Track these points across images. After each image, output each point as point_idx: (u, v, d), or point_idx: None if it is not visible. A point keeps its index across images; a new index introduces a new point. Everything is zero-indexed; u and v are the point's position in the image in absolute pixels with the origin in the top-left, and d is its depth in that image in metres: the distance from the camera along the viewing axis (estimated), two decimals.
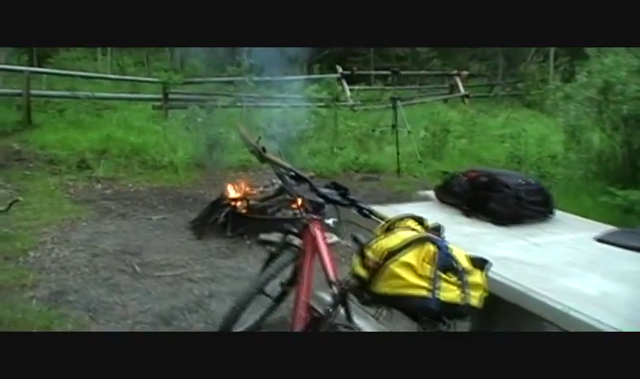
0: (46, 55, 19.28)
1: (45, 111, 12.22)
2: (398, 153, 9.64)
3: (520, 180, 3.88)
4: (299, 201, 6.68)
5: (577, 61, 19.20)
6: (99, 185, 8.36)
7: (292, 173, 3.70)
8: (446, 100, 18.95)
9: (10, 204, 6.96)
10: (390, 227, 2.83)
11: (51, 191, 7.93)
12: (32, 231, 6.29)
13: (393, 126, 9.78)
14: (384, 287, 2.58)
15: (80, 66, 17.58)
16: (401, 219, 2.84)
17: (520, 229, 3.65)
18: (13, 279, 5.04)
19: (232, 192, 6.60)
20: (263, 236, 6.19)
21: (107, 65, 20.02)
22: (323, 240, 3.47)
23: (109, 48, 20.31)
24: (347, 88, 16.29)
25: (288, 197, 6.62)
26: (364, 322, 3.42)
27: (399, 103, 10.07)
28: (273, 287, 3.90)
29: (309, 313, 3.45)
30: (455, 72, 20.36)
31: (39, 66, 16.63)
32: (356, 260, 2.80)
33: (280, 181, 6.86)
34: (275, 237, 6.13)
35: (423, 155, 10.48)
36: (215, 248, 6.07)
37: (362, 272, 2.72)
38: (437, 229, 2.80)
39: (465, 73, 20.80)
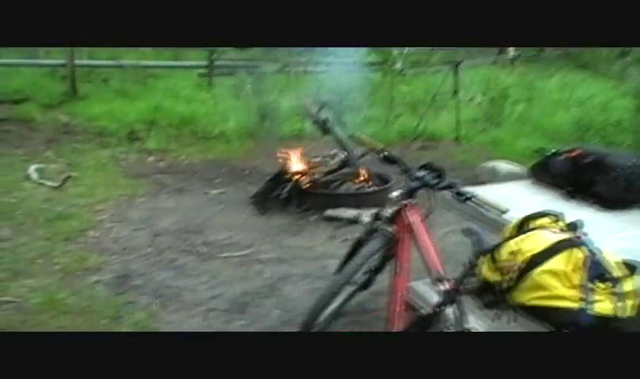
0: None
1: (89, 81, 11.94)
2: (458, 121, 9.20)
3: (629, 161, 3.51)
4: (364, 174, 6.40)
5: None
6: (152, 158, 8.11)
7: (383, 153, 3.34)
8: (494, 62, 18.28)
9: (64, 180, 6.76)
10: (524, 226, 2.50)
11: (103, 165, 7.70)
12: (89, 209, 6.07)
13: (455, 92, 9.31)
14: (527, 298, 2.27)
15: None
16: (536, 217, 2.51)
17: (630, 215, 3.31)
18: (75, 262, 4.82)
19: (294, 165, 6.28)
20: (330, 212, 5.88)
21: None
22: (423, 228, 3.13)
23: None
24: (395, 51, 15.72)
25: (352, 170, 6.35)
26: (476, 322, 3.11)
27: (459, 67, 9.53)
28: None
29: (408, 309, 3.15)
30: None
31: None
32: (484, 261, 2.48)
33: (342, 154, 6.59)
34: (342, 212, 5.84)
35: (481, 122, 10.05)
36: (280, 225, 5.79)
37: (493, 276, 2.42)
38: (575, 227, 2.46)
39: None
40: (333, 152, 6.80)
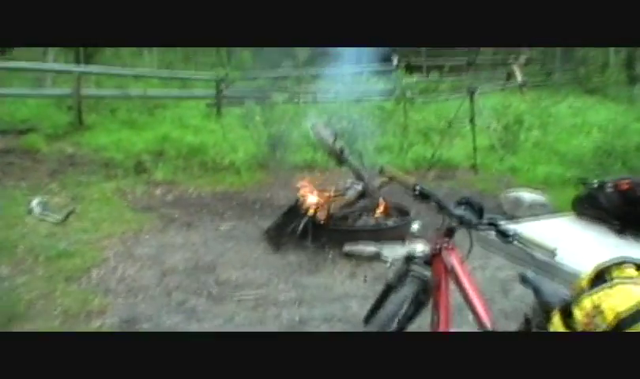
0: (92, 53, 18.87)
1: (96, 112, 11.74)
2: (475, 149, 8.90)
3: None
4: (383, 206, 6.09)
5: None
6: (159, 191, 7.82)
7: (416, 188, 3.00)
8: (502, 89, 18.09)
9: (67, 215, 6.48)
10: (603, 277, 2.14)
11: (108, 198, 7.40)
12: (93, 246, 5.76)
13: (471, 120, 8.99)
14: None
15: (126, 64, 17.11)
16: (614, 265, 2.15)
17: None
18: (78, 304, 4.49)
19: (309, 198, 5.97)
20: (348, 248, 5.54)
21: (153, 61, 19.53)
22: (465, 273, 2.81)
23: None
24: (404, 79, 15.51)
25: (370, 202, 6.06)
26: None
27: (476, 94, 9.19)
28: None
29: None
30: (511, 59, 19.48)
31: (86, 65, 16.19)
32: (554, 318, 2.14)
33: (359, 185, 6.29)
34: (361, 248, 5.53)
35: (496, 149, 9.77)
36: (296, 262, 5.45)
37: None
38: None
39: (523, 58, 19.87)
40: (348, 183, 6.51)
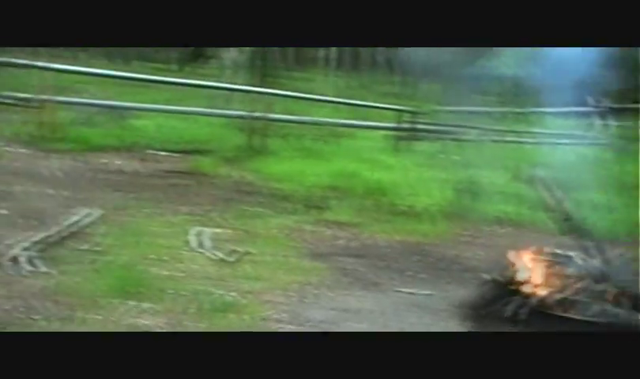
0: (266, 75, 18.56)
1: (266, 135, 11.02)
2: None
3: None
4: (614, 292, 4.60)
5: None
6: (342, 235, 6.77)
7: None
8: None
9: (241, 255, 5.58)
10: None
11: (275, 236, 6.45)
12: (253, 298, 4.74)
13: None
14: None
15: (298, 87, 16.45)
16: None
17: None
18: None
19: (523, 271, 4.62)
20: None
21: (328, 86, 18.92)
22: None
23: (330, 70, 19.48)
24: (613, 123, 13.46)
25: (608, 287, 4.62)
26: None
27: None
28: None
29: None
30: None
31: (261, 86, 15.80)
32: None
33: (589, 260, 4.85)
34: None
35: None
36: None
37: None
38: None
39: None
40: (564, 254, 5.11)
